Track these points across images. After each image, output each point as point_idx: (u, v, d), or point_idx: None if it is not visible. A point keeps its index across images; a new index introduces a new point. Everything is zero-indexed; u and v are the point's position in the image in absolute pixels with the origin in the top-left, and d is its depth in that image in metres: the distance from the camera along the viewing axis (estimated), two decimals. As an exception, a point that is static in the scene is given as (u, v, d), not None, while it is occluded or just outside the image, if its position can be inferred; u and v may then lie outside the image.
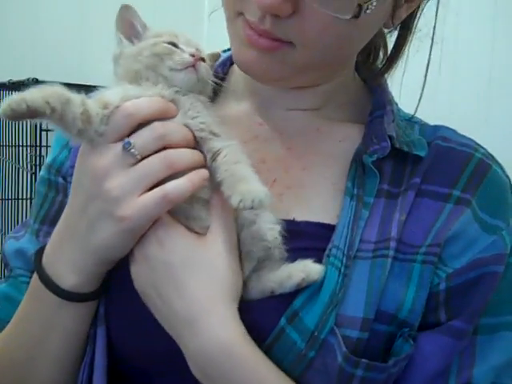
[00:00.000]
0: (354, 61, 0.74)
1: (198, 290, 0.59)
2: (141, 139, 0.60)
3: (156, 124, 0.61)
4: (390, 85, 0.75)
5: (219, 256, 0.60)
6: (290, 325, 0.59)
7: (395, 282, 0.61)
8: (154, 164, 0.59)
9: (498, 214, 0.65)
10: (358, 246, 0.62)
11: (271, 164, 0.70)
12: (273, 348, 0.59)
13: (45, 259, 0.65)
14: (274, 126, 0.72)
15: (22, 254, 0.75)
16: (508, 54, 1.67)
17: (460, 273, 0.63)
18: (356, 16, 0.57)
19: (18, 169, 2.27)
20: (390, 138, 0.67)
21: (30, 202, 2.18)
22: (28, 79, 2.07)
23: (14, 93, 2.12)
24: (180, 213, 0.62)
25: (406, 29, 0.71)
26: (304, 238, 0.64)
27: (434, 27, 0.70)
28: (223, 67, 0.76)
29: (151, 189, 0.59)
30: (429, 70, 0.71)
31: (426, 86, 0.71)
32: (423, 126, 0.73)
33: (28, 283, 0.71)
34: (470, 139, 0.71)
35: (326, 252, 0.62)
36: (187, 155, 0.61)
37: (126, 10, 0.67)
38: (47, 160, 0.78)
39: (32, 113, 0.56)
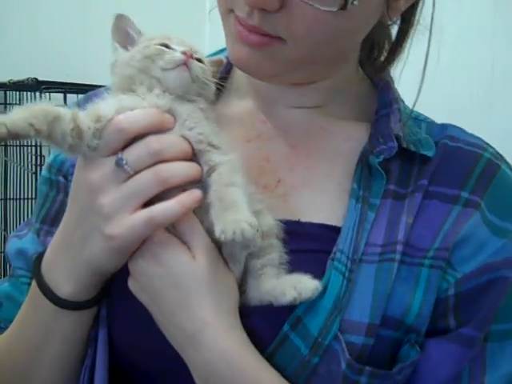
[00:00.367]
0: (357, 56, 0.72)
1: (196, 303, 0.58)
2: (134, 155, 0.59)
3: (151, 139, 0.59)
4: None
5: (214, 266, 0.59)
6: (293, 331, 0.59)
7: (402, 287, 0.60)
8: (146, 181, 0.58)
9: (507, 217, 0.64)
10: (364, 250, 0.61)
11: (275, 162, 0.69)
12: (276, 354, 0.59)
13: (43, 266, 0.65)
14: (277, 124, 0.72)
15: (23, 254, 0.75)
16: (508, 47, 1.65)
17: (470, 278, 0.62)
18: (342, 8, 0.56)
19: (21, 169, 2.28)
20: (397, 137, 0.66)
21: (33, 202, 2.19)
22: (28, 79, 2.07)
23: (14, 93, 2.11)
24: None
25: (406, 22, 0.69)
26: (309, 240, 0.63)
27: (432, 18, 0.67)
28: (226, 66, 0.74)
29: (147, 204, 0.58)
30: (428, 63, 0.69)
31: (426, 78, 0.69)
32: (430, 125, 0.72)
33: (28, 284, 0.72)
34: (478, 138, 0.70)
35: (331, 256, 0.61)
36: (182, 170, 0.59)
37: (120, 19, 0.67)
38: (48, 159, 0.78)
39: (14, 136, 0.55)
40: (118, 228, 0.58)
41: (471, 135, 0.70)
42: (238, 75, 0.75)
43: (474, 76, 1.69)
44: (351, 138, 0.70)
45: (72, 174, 0.65)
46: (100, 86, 0.75)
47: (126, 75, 0.64)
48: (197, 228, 0.60)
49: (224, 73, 0.74)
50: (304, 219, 0.64)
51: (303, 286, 0.58)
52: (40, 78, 2.08)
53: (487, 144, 0.69)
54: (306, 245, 0.63)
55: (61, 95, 2.10)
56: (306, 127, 0.71)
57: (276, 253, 0.61)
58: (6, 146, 2.29)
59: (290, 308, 0.59)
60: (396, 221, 0.62)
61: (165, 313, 0.60)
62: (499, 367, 0.62)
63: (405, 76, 0.72)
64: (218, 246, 0.61)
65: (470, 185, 0.64)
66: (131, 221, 0.58)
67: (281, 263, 0.61)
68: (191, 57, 0.62)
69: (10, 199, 2.33)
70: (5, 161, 2.35)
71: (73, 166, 0.68)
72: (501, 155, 0.69)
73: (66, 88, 2.11)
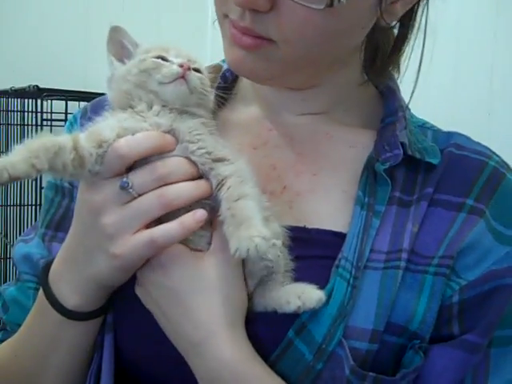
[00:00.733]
0: (359, 61, 0.71)
1: (202, 314, 0.59)
2: (139, 179, 0.59)
3: (157, 164, 0.60)
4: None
5: (222, 277, 0.60)
6: (297, 337, 0.59)
7: (406, 294, 0.61)
8: (150, 203, 0.59)
9: None
10: (369, 256, 0.61)
11: (282, 170, 0.69)
12: (281, 360, 0.59)
13: (51, 276, 0.65)
14: (283, 132, 0.72)
15: (29, 259, 0.75)
16: (509, 47, 1.65)
17: (474, 285, 0.62)
18: (329, 5, 0.56)
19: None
20: (403, 145, 0.66)
21: (33, 208, 2.18)
22: (29, 86, 2.07)
23: (15, 100, 2.10)
24: None
25: (405, 26, 0.69)
26: (315, 246, 0.63)
27: (426, 20, 0.67)
28: (231, 72, 0.75)
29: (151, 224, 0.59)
30: (429, 68, 0.69)
31: (427, 84, 0.69)
32: (436, 133, 0.72)
33: (34, 289, 0.72)
34: (484, 146, 0.70)
35: (336, 263, 0.61)
36: (185, 192, 0.60)
37: (115, 31, 0.66)
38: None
39: (15, 179, 0.55)
40: (121, 248, 0.58)
41: (477, 143, 0.70)
42: (244, 82, 0.75)
43: (474, 82, 1.69)
44: (356, 144, 0.70)
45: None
46: (101, 94, 0.75)
47: (123, 90, 0.64)
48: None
49: (230, 79, 0.75)
50: (309, 225, 0.64)
51: (308, 296, 0.58)
52: (41, 86, 2.09)
53: (493, 152, 0.69)
54: (312, 251, 0.63)
55: (62, 102, 2.11)
56: (312, 134, 0.71)
57: (282, 260, 0.61)
58: (4, 152, 2.28)
59: (295, 314, 0.59)
60: (401, 228, 0.63)
61: (171, 321, 0.60)
62: (502, 373, 0.62)
63: (405, 78, 0.73)
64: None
65: (475, 192, 0.64)
66: (133, 241, 0.58)
67: (286, 270, 0.61)
68: (188, 68, 0.62)
69: (10, 205, 2.32)
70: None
71: None
72: (506, 164, 0.69)
73: (67, 95, 2.12)
